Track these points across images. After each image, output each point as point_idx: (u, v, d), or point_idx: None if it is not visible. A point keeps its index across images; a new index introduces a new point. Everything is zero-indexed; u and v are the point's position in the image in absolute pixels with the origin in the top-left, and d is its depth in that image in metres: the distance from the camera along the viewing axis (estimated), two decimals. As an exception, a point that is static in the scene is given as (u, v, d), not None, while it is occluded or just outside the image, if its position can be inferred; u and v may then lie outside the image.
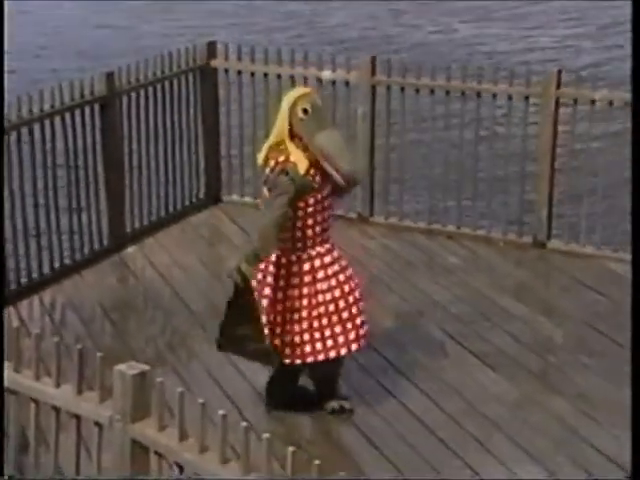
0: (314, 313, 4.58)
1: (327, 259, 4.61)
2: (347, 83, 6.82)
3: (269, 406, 4.85)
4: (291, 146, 4.50)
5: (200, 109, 7.11)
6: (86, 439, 3.39)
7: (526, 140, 6.58)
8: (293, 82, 6.88)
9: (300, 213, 4.52)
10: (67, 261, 6.34)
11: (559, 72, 6.35)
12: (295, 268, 4.57)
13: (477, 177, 6.73)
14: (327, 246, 4.63)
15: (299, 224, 4.54)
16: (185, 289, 6.13)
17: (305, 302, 4.58)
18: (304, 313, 4.58)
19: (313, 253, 4.59)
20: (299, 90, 4.66)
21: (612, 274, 6.32)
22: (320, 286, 4.58)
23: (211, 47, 7.11)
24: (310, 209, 4.54)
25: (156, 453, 3.15)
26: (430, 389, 5.00)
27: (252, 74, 7.03)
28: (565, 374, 5.19)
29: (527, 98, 6.44)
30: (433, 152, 6.84)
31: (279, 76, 6.96)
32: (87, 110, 6.31)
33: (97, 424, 3.29)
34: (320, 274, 4.58)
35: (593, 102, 6.30)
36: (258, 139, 7.14)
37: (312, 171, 4.50)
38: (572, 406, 4.88)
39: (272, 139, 4.56)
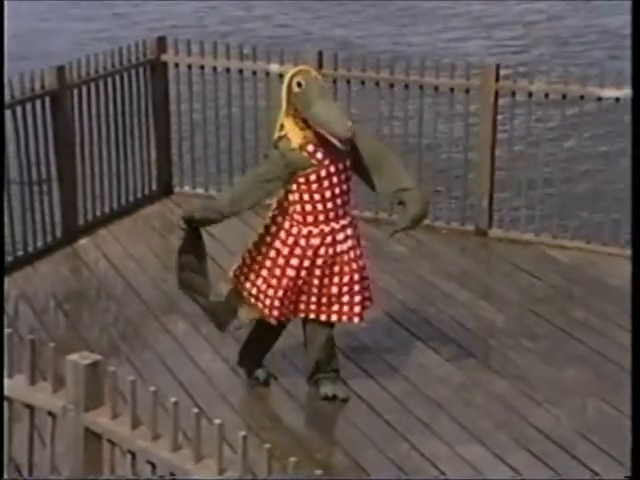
0: (310, 284, 4.65)
1: (340, 236, 4.63)
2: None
3: (240, 363, 5.04)
4: (288, 122, 4.53)
5: (151, 102, 7.18)
6: (40, 429, 3.44)
7: (467, 131, 6.76)
8: (242, 76, 7.02)
9: (303, 188, 4.54)
10: (20, 253, 6.40)
11: (497, 66, 6.55)
12: (302, 241, 4.61)
13: (421, 167, 6.89)
14: (343, 222, 4.64)
15: (306, 198, 4.55)
16: (138, 280, 6.21)
17: (303, 273, 4.62)
18: (299, 282, 4.64)
19: (326, 229, 4.61)
20: (295, 68, 4.67)
21: (550, 260, 6.51)
22: (320, 261, 4.62)
23: (161, 41, 7.18)
24: (314, 185, 4.54)
25: (109, 441, 3.20)
26: (377, 373, 5.13)
27: (202, 68, 7.13)
28: (506, 356, 5.35)
29: (467, 91, 6.63)
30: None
31: (228, 70, 7.07)
32: (38, 104, 6.36)
33: (50, 414, 3.33)
34: (321, 250, 4.61)
35: (530, 94, 6.51)
36: (208, 131, 7.30)
37: (311, 147, 4.52)
38: (513, 387, 5.04)
39: (278, 122, 4.60)
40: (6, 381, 3.43)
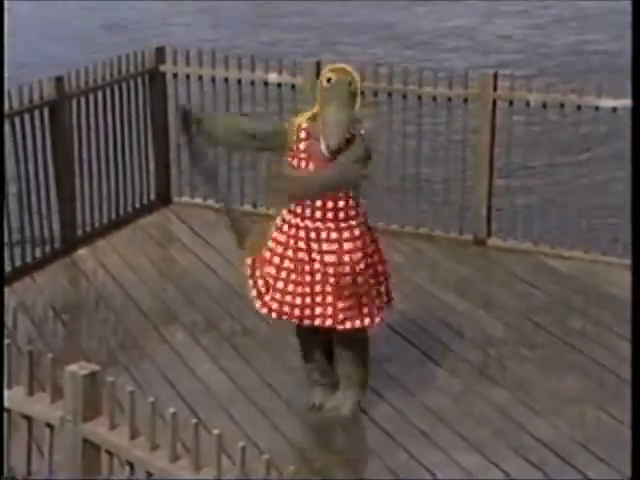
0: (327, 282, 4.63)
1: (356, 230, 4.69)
2: (293, 86, 6.96)
3: None
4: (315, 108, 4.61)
5: (149, 112, 7.20)
6: (38, 440, 3.44)
7: (465, 140, 6.79)
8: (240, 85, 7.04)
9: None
10: (18, 263, 6.40)
11: (495, 75, 6.58)
12: (315, 235, 4.62)
13: (419, 177, 6.91)
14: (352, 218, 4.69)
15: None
16: (136, 290, 6.21)
17: (316, 266, 4.61)
18: (317, 277, 4.62)
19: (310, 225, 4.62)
20: (338, 64, 4.69)
21: (549, 269, 6.51)
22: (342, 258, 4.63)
23: (159, 51, 7.20)
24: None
25: (107, 452, 3.21)
26: (375, 382, 5.11)
27: (200, 78, 7.15)
28: (505, 366, 5.35)
29: (466, 100, 6.66)
30: (377, 153, 6.99)
31: (226, 79, 7.09)
32: (37, 114, 6.38)
33: (48, 425, 3.34)
34: (347, 246, 4.63)
35: (528, 104, 6.54)
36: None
37: (303, 133, 4.60)
38: (512, 396, 5.04)
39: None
40: (4, 392, 3.43)
